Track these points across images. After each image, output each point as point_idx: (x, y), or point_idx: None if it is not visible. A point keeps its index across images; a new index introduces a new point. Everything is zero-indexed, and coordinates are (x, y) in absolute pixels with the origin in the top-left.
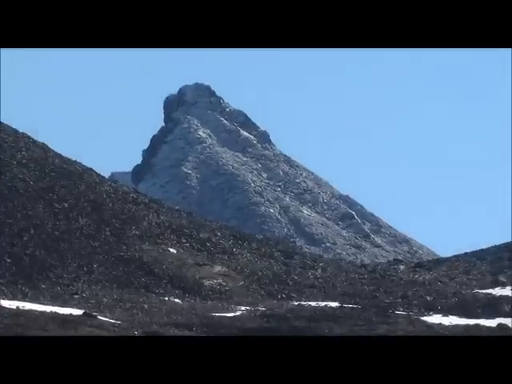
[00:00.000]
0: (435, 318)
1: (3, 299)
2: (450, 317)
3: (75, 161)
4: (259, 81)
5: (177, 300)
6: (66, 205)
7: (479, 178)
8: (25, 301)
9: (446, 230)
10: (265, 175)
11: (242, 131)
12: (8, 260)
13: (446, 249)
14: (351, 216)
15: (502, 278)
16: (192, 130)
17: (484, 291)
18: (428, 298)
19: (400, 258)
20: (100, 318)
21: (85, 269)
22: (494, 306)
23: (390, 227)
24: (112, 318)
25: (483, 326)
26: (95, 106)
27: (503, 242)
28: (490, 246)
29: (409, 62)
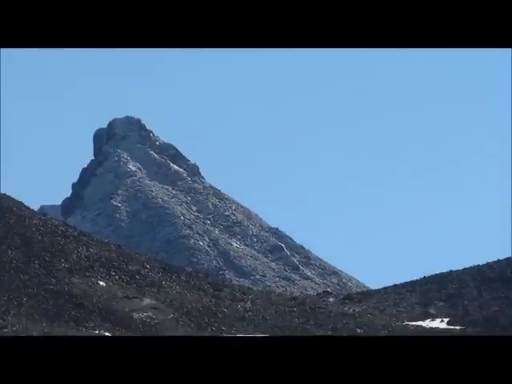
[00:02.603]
0: None
1: None
2: None
3: (4, 194)
4: (189, 114)
5: (107, 333)
6: None
7: (412, 208)
8: None
9: (375, 261)
10: (194, 208)
11: (172, 165)
12: None
13: (375, 281)
14: (281, 248)
15: (431, 311)
16: (122, 163)
17: (414, 323)
18: (358, 330)
19: (329, 290)
20: None
21: (14, 302)
22: None
23: (320, 259)
24: None
25: None
26: (23, 138)
27: (432, 274)
28: (418, 277)
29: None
